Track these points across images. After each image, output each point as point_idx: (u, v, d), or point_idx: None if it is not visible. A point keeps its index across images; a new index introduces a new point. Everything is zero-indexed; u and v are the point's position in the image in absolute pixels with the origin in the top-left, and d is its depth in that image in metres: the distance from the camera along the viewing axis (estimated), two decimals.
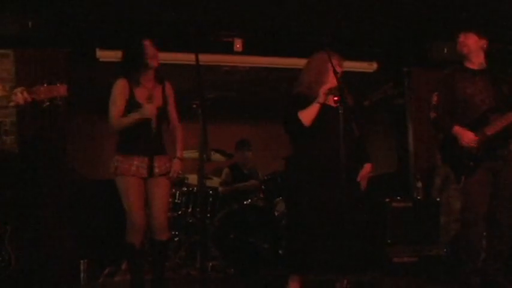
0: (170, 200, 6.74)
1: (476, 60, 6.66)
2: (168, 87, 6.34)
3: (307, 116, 6.13)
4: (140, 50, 6.12)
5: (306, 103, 6.18)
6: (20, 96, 5.34)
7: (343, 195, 6.00)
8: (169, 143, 6.37)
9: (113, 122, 6.05)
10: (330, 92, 6.08)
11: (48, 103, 5.32)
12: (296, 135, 6.47)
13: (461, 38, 6.65)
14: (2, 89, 5.85)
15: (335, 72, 5.98)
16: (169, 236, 6.33)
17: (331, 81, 6.16)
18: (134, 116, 5.96)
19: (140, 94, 6.12)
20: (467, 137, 6.34)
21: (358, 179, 6.33)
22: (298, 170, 6.46)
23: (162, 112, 6.21)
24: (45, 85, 5.32)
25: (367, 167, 6.42)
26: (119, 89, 6.10)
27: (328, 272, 6.42)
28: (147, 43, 6.16)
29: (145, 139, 6.08)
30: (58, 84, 5.32)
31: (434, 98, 6.68)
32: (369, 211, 6.54)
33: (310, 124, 6.14)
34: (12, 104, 5.76)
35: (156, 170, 6.09)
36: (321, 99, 6.13)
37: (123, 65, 6.26)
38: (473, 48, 6.60)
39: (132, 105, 6.03)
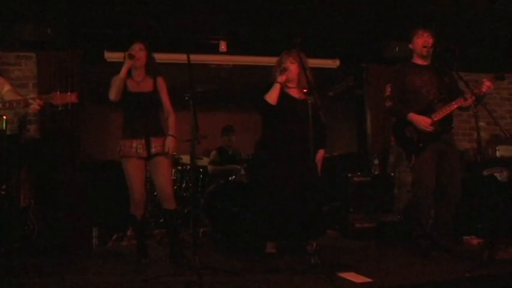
0: (173, 176, 6.72)
1: (427, 57, 6.72)
2: (160, 81, 6.38)
3: (269, 95, 6.42)
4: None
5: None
6: (35, 104, 5.36)
7: (301, 173, 6.18)
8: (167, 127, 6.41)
9: (111, 91, 6.14)
10: (283, 71, 6.43)
11: (61, 108, 5.35)
12: (266, 118, 6.63)
13: (431, 40, 6.69)
14: (15, 92, 5.88)
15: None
16: (175, 206, 6.31)
17: (288, 67, 6.49)
18: (121, 72, 6.10)
19: (130, 83, 6.26)
20: (423, 121, 6.43)
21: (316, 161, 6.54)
22: (264, 150, 6.65)
23: (152, 97, 6.29)
24: (59, 92, 5.34)
25: (320, 153, 6.58)
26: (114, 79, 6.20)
27: (288, 237, 6.57)
28: (135, 46, 6.33)
29: (141, 123, 6.15)
30: (69, 93, 5.35)
31: (388, 89, 6.76)
32: (323, 187, 6.67)
33: (275, 102, 6.40)
34: (30, 111, 5.84)
35: (153, 150, 6.14)
36: (278, 79, 6.43)
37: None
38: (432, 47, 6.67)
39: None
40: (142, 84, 6.33)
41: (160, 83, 6.39)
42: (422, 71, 6.70)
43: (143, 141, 6.11)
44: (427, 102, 6.53)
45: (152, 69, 6.44)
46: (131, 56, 6.13)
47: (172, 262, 6.20)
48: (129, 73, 6.22)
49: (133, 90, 6.26)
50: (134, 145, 6.10)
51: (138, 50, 6.30)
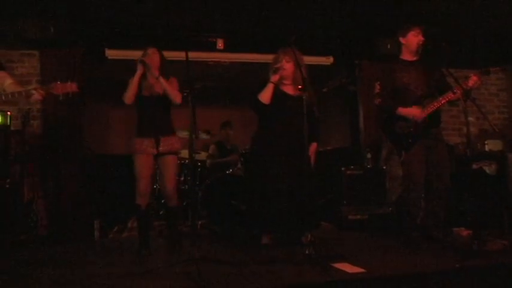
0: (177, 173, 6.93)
1: (417, 53, 6.72)
2: (173, 82, 6.51)
3: (262, 95, 6.46)
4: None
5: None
6: (37, 93, 5.39)
7: (296, 166, 6.18)
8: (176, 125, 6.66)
9: (125, 94, 6.33)
10: (275, 70, 6.43)
11: (62, 97, 5.37)
12: (260, 115, 6.69)
13: (421, 35, 6.68)
14: (17, 84, 5.89)
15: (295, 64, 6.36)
16: (176, 203, 6.65)
17: (282, 66, 6.49)
18: (134, 77, 6.31)
19: (144, 86, 6.42)
20: (413, 111, 6.49)
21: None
22: (259, 145, 6.65)
23: (163, 99, 6.42)
24: (59, 82, 5.37)
25: (313, 146, 6.61)
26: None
27: (282, 229, 6.59)
28: (148, 50, 6.54)
29: (152, 124, 6.39)
30: (69, 82, 5.37)
31: (377, 87, 6.79)
32: (317, 180, 6.70)
33: (268, 101, 6.45)
34: (32, 101, 5.88)
35: (161, 148, 6.38)
36: (271, 78, 6.45)
37: None
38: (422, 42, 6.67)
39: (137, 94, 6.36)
40: (155, 86, 6.45)
41: (173, 83, 6.53)
42: (410, 68, 6.69)
43: (153, 140, 6.34)
44: (416, 98, 6.54)
45: (165, 70, 6.56)
46: (143, 63, 6.32)
47: (171, 251, 6.43)
48: (143, 75, 6.38)
49: (146, 93, 6.43)
50: (145, 143, 6.34)
51: (152, 53, 6.50)
